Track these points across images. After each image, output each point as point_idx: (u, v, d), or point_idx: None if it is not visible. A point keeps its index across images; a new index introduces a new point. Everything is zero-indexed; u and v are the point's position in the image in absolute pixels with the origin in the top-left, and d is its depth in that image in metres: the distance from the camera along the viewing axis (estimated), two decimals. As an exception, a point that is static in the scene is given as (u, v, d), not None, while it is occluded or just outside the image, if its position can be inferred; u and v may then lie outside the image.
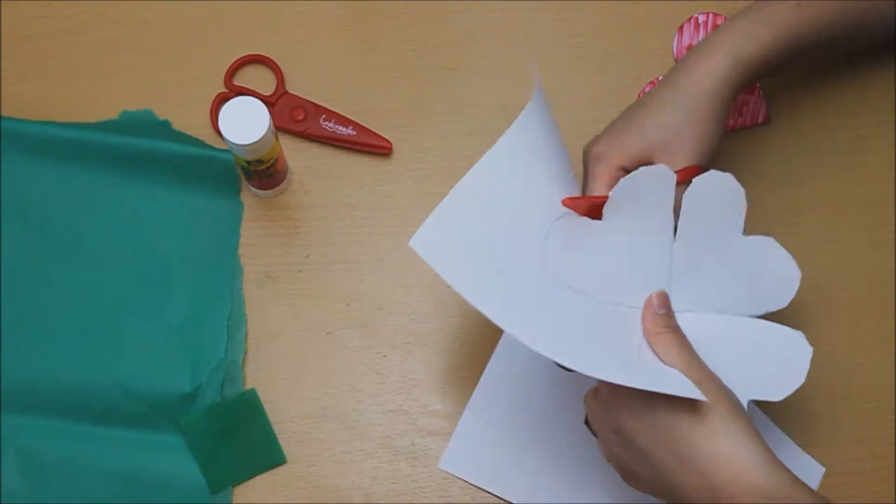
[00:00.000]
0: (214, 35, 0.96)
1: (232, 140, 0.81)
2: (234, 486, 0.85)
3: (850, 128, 0.93)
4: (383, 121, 0.93)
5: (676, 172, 0.76)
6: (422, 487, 0.85)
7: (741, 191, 0.77)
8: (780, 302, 0.78)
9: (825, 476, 0.85)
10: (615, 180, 0.78)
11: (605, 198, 0.77)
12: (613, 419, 0.71)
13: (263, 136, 0.81)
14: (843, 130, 0.93)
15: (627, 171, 0.78)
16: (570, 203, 0.77)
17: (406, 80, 0.95)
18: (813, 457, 0.85)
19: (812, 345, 0.86)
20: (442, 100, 0.94)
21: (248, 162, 0.84)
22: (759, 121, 0.93)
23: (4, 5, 0.96)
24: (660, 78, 0.95)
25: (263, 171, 0.86)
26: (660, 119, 0.78)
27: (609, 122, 0.82)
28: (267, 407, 0.86)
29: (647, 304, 0.76)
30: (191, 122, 0.93)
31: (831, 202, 0.92)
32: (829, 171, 0.92)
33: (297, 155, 0.92)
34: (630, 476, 0.73)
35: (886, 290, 0.89)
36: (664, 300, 0.76)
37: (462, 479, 0.85)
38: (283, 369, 0.88)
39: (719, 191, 0.77)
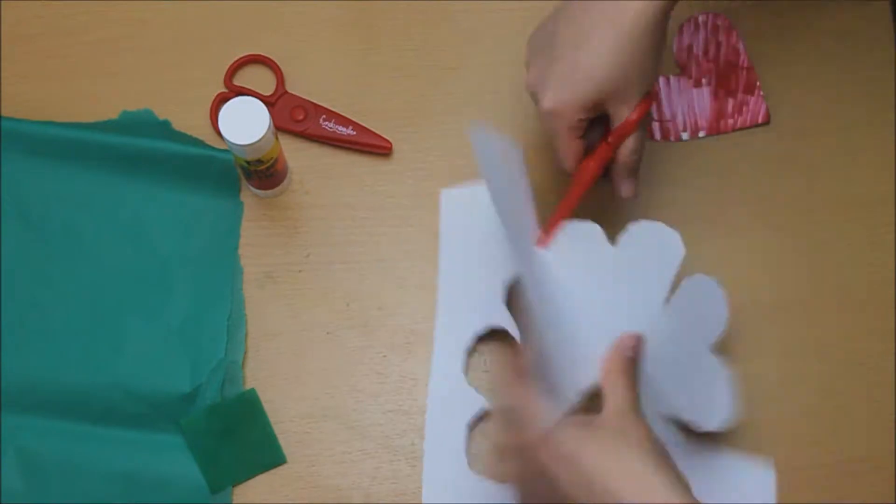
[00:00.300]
0: (214, 35, 0.96)
1: (232, 140, 0.81)
2: (234, 487, 0.85)
3: (851, 128, 0.93)
4: (383, 121, 0.93)
5: (627, 122, 0.78)
6: (422, 487, 0.85)
7: (678, 242, 0.80)
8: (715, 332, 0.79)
9: (825, 475, 0.85)
10: (578, 129, 0.79)
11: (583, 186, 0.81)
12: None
13: (263, 136, 0.81)
14: (844, 130, 0.93)
15: (585, 119, 0.78)
16: (542, 238, 0.81)
17: (406, 80, 0.95)
18: (811, 456, 0.85)
19: (812, 344, 0.86)
20: (442, 100, 0.94)
21: (248, 162, 0.84)
22: (759, 121, 0.93)
23: (4, 5, 0.96)
24: (660, 79, 0.95)
25: (263, 171, 0.86)
26: (604, 61, 0.77)
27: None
28: (267, 407, 0.86)
29: (620, 344, 0.77)
30: (191, 122, 0.93)
31: (831, 202, 0.92)
32: (829, 170, 0.92)
33: (297, 155, 0.92)
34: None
35: (886, 290, 0.89)
36: (636, 344, 0.77)
37: None
38: (283, 369, 0.88)
39: (656, 240, 0.80)
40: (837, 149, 0.93)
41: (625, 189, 0.82)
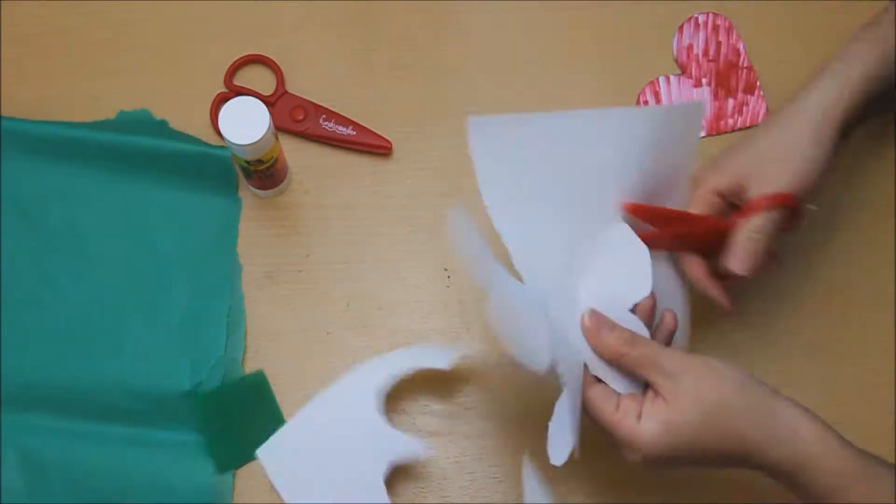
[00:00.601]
0: (214, 35, 0.96)
1: (232, 140, 0.81)
2: (234, 483, 0.85)
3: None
4: (383, 121, 0.93)
5: (761, 198, 0.75)
6: (422, 487, 0.85)
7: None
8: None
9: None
10: (709, 204, 0.78)
11: (662, 232, 0.77)
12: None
13: (263, 136, 0.81)
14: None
15: (721, 195, 0.77)
16: (631, 207, 0.75)
17: (406, 80, 0.95)
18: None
19: (812, 344, 0.86)
20: (442, 100, 0.94)
21: (248, 162, 0.84)
22: (759, 121, 0.93)
23: (4, 5, 0.96)
24: (660, 78, 0.95)
25: (263, 171, 0.86)
26: (755, 144, 0.77)
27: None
28: (267, 407, 0.87)
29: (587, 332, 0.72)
30: (191, 122, 0.93)
31: (831, 202, 0.91)
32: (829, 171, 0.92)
33: (297, 155, 0.92)
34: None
35: (886, 290, 0.89)
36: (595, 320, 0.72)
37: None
38: (283, 369, 0.87)
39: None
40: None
41: (733, 261, 0.76)
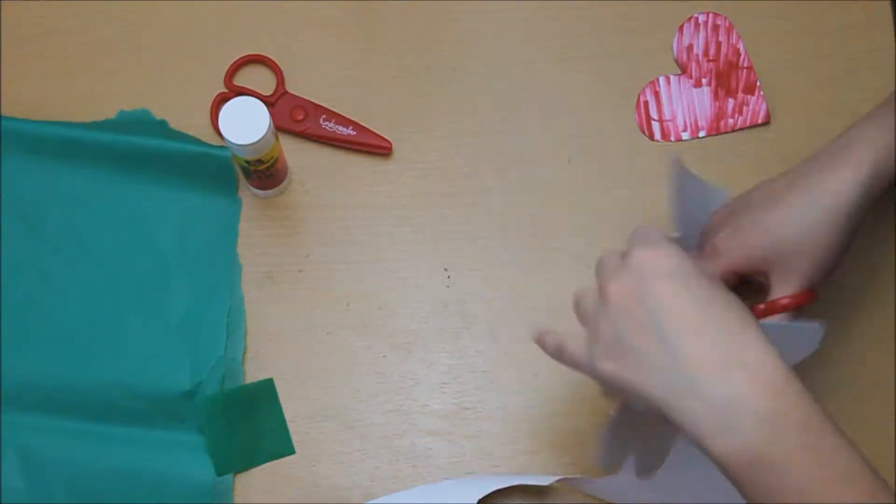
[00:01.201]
0: (214, 35, 0.96)
1: (232, 140, 0.81)
2: (234, 483, 0.85)
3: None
4: (383, 121, 0.93)
5: (788, 298, 0.75)
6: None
7: None
8: None
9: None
10: (725, 279, 0.77)
11: None
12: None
13: (263, 136, 0.81)
14: (843, 128, 0.93)
15: (739, 274, 0.77)
16: None
17: (406, 80, 0.95)
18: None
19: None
20: (442, 100, 0.94)
21: (248, 162, 0.84)
22: (760, 121, 0.93)
23: (4, 5, 0.96)
24: (660, 78, 0.95)
25: (263, 171, 0.86)
26: (786, 230, 0.75)
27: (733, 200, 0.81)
28: (267, 407, 0.87)
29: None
30: (191, 122, 0.93)
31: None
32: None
33: (297, 155, 0.92)
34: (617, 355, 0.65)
35: (886, 290, 0.89)
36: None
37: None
38: (283, 369, 0.87)
39: None
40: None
41: None
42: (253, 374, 0.87)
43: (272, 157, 0.85)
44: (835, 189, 0.74)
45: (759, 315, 0.76)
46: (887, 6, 0.96)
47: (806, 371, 0.85)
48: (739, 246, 0.77)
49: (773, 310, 0.76)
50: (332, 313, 0.89)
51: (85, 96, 0.94)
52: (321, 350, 0.88)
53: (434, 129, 0.94)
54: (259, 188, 0.90)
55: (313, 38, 0.96)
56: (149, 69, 0.95)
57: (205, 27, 0.96)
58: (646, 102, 0.95)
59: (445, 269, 0.90)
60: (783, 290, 0.76)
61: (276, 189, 0.90)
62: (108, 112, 0.93)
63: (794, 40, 0.96)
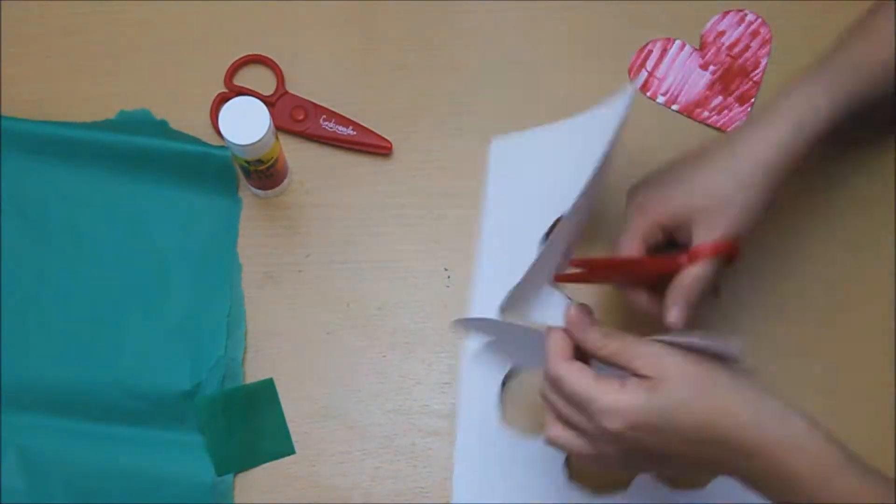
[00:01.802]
0: (214, 35, 0.96)
1: (232, 140, 0.81)
2: (234, 483, 0.85)
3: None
4: (383, 121, 0.93)
5: (706, 246, 0.75)
6: (422, 487, 0.85)
7: None
8: None
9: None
10: (650, 235, 0.78)
11: (614, 260, 0.79)
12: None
13: (263, 136, 0.81)
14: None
15: (665, 228, 0.78)
16: (576, 263, 0.80)
17: (406, 80, 0.95)
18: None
19: (812, 344, 0.86)
20: (442, 100, 0.94)
21: (248, 162, 0.84)
22: (726, 129, 0.93)
23: (4, 5, 0.96)
24: (676, 41, 0.95)
25: (263, 171, 0.86)
26: (709, 183, 0.77)
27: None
28: (267, 407, 0.87)
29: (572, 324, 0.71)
30: (191, 122, 0.93)
31: (831, 202, 0.91)
32: (829, 171, 0.92)
33: (297, 155, 0.92)
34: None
35: (886, 290, 0.89)
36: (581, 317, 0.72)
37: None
38: (283, 369, 0.87)
39: None
40: (837, 148, 0.93)
41: (672, 314, 0.75)
42: (253, 374, 0.87)
43: (272, 157, 0.85)
44: (755, 148, 0.76)
45: (685, 262, 0.76)
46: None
47: (806, 371, 0.86)
48: (663, 200, 0.78)
49: (696, 255, 0.75)
50: (332, 313, 0.89)
51: (85, 96, 0.94)
52: (321, 350, 0.88)
53: (434, 129, 0.94)
54: (259, 188, 0.90)
55: (313, 38, 0.96)
56: (149, 69, 0.95)
57: (205, 27, 0.96)
58: (649, 52, 0.95)
59: (445, 269, 0.90)
60: (704, 240, 0.76)
61: (276, 189, 0.90)
62: (108, 112, 0.93)
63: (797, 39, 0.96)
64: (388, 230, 0.91)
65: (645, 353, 0.67)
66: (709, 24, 0.96)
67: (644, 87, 0.94)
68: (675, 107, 0.94)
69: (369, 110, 0.93)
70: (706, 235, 0.76)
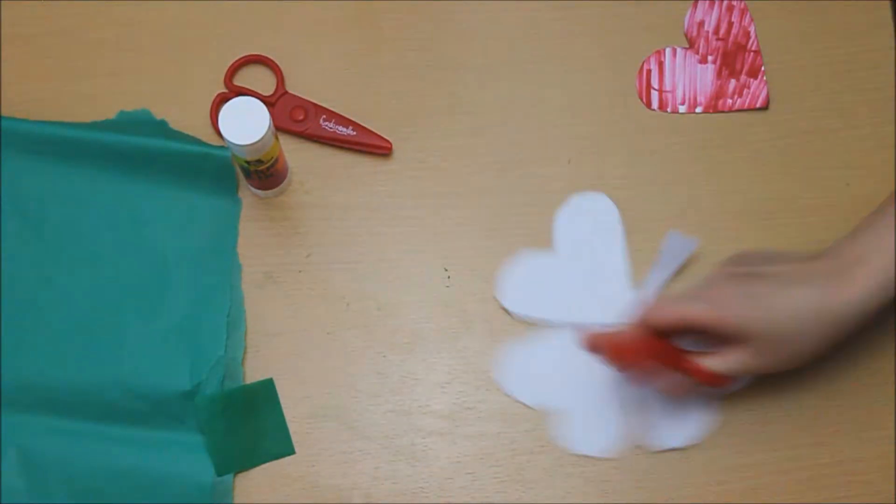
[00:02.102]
0: (214, 35, 0.96)
1: (232, 140, 0.81)
2: (234, 483, 0.85)
3: (850, 128, 0.93)
4: (383, 121, 0.93)
5: (708, 375, 0.78)
6: (422, 487, 0.85)
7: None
8: None
9: (825, 475, 0.85)
10: (694, 322, 0.77)
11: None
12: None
13: (263, 137, 0.81)
14: (843, 130, 0.93)
15: (702, 328, 0.77)
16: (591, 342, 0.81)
17: (406, 80, 0.95)
18: (811, 456, 0.85)
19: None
20: (442, 100, 0.94)
21: (247, 162, 0.84)
22: (758, 105, 0.93)
23: (4, 5, 0.96)
24: (666, 49, 0.95)
25: (263, 172, 0.86)
26: (773, 314, 0.76)
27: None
28: (267, 407, 0.87)
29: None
30: (191, 122, 0.93)
31: (831, 202, 0.91)
32: (829, 170, 0.92)
33: (297, 155, 0.92)
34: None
35: (886, 290, 0.89)
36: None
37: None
38: (283, 369, 0.87)
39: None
40: (837, 148, 0.93)
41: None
42: (253, 373, 0.87)
43: (272, 158, 0.85)
44: (834, 300, 0.76)
45: (680, 365, 0.79)
46: (887, 6, 0.96)
47: (805, 371, 0.86)
48: (724, 305, 0.77)
49: (693, 371, 0.78)
50: (332, 313, 0.89)
51: (85, 96, 0.94)
52: (321, 350, 0.88)
53: (434, 129, 0.94)
54: (259, 188, 0.90)
55: (313, 38, 0.96)
56: (149, 69, 0.95)
57: (205, 27, 0.96)
58: (648, 71, 0.95)
59: (446, 270, 0.90)
60: (722, 361, 0.77)
61: (275, 189, 0.90)
62: (108, 112, 0.93)
63: (803, 32, 0.96)
64: (389, 230, 0.91)
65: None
66: (686, 20, 0.96)
67: (662, 105, 0.94)
68: (698, 109, 0.94)
69: (369, 110, 0.93)
70: (723, 358, 0.77)
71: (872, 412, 0.87)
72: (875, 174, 0.92)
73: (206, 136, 0.92)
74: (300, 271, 0.90)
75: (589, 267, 0.89)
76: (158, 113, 0.93)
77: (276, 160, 0.86)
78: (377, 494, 0.85)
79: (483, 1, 0.97)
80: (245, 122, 0.81)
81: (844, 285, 0.76)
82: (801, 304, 0.76)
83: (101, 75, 0.95)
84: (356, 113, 0.93)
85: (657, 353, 0.79)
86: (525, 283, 0.89)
